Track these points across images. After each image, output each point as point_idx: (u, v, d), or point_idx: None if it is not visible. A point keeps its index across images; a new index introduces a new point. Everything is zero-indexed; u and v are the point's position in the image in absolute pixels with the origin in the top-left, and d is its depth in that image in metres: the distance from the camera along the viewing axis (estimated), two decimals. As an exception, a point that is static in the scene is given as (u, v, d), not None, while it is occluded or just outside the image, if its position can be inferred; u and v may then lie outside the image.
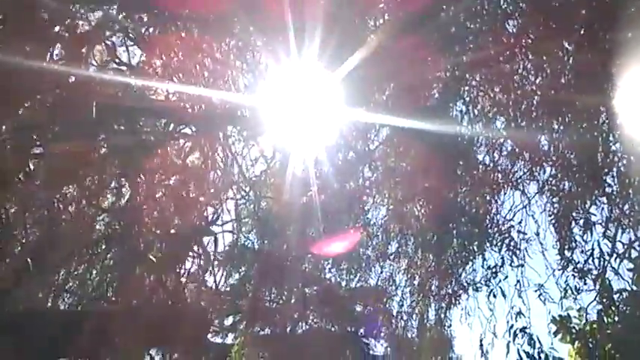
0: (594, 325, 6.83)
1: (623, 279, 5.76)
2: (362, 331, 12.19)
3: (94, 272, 7.81)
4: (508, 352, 6.60)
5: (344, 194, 9.13)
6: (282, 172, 9.28)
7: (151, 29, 7.31)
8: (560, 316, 6.96)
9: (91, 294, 7.74)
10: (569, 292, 6.11)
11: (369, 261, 10.44)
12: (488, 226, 6.57)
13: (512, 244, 6.36)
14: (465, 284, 6.87)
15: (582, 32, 6.13)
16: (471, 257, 6.76)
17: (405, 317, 9.76)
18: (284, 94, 7.62)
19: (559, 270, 6.16)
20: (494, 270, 6.43)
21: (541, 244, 6.68)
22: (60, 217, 7.44)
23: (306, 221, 9.67)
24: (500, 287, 6.41)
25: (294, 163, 8.68)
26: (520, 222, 6.44)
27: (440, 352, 11.62)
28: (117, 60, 7.54)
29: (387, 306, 10.42)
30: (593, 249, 6.02)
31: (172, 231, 7.84)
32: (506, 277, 6.38)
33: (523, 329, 6.58)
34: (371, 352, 12.28)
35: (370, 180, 8.83)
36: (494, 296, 6.39)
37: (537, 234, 6.51)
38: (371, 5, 7.19)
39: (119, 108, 7.20)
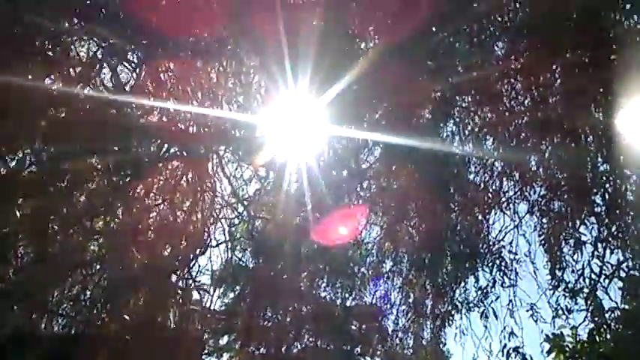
0: (586, 344, 6.86)
1: (612, 300, 5.77)
2: (358, 349, 12.18)
3: (87, 294, 7.78)
4: (502, 371, 6.60)
5: (338, 213, 9.16)
6: (275, 192, 9.32)
7: (144, 52, 7.36)
8: (553, 334, 6.98)
9: (84, 316, 7.70)
10: (561, 311, 6.12)
11: (364, 279, 10.47)
12: (480, 246, 6.60)
13: (503, 264, 6.39)
14: (458, 304, 6.88)
15: (571, 54, 6.21)
16: (464, 277, 6.79)
17: (400, 335, 9.75)
18: (277, 114, 7.68)
19: (550, 290, 6.18)
20: (485, 290, 6.45)
21: (532, 263, 6.72)
22: (53, 238, 7.43)
23: (300, 240, 9.70)
24: (493, 307, 6.44)
25: (288, 183, 8.72)
26: (511, 242, 6.48)
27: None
28: (111, 81, 7.58)
29: (383, 324, 10.41)
30: (583, 268, 6.06)
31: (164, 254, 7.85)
32: (498, 297, 6.41)
33: (516, 349, 6.59)
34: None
35: (363, 198, 8.87)
36: (487, 316, 6.41)
37: (528, 254, 6.55)
38: (363, 28, 7.27)
39: (112, 128, 7.22)
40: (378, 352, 12.24)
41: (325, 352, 11.92)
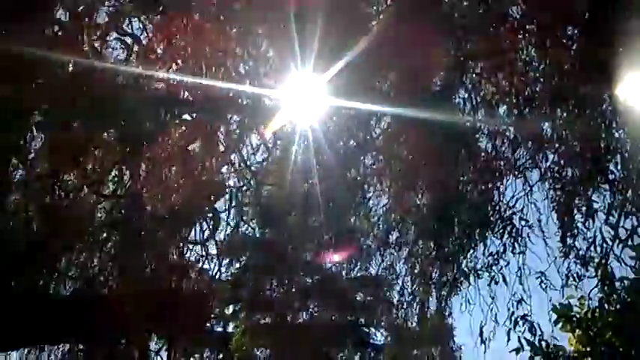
0: (595, 314, 6.84)
1: (626, 265, 5.73)
2: (362, 320, 12.22)
3: (96, 259, 7.80)
4: (509, 339, 6.60)
5: (345, 183, 9.13)
6: (283, 161, 9.28)
7: (154, 15, 7.26)
8: (560, 304, 6.96)
9: (92, 280, 7.74)
10: (571, 279, 6.10)
11: (369, 250, 10.46)
12: (490, 213, 6.56)
13: (514, 230, 6.35)
14: (467, 271, 6.86)
15: (586, 20, 6.11)
16: (473, 244, 6.75)
17: (405, 306, 9.76)
18: (286, 83, 7.60)
19: (561, 257, 6.15)
20: (495, 256, 6.42)
21: (542, 231, 6.68)
22: (62, 203, 7.42)
23: (308, 210, 9.68)
24: (502, 274, 6.39)
25: (295, 152, 8.67)
26: (522, 209, 6.42)
27: (440, 341, 11.65)
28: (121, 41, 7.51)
29: (388, 295, 10.43)
30: (595, 236, 6.02)
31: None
32: (508, 263, 6.37)
33: (524, 317, 6.58)
34: (371, 340, 12.32)
35: (372, 168, 8.82)
36: (496, 283, 6.39)
37: (539, 221, 6.49)
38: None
39: (120, 94, 7.17)
40: (382, 323, 12.31)
41: (330, 322, 11.97)
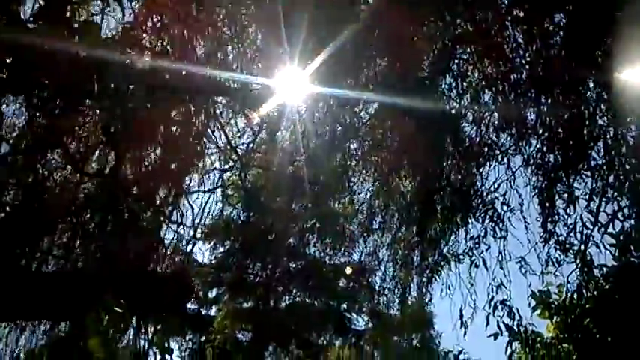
0: (573, 300, 6.93)
1: (607, 250, 5.81)
2: (344, 305, 12.34)
3: (78, 239, 7.74)
4: (488, 324, 6.67)
5: (330, 168, 9.13)
6: (269, 145, 9.25)
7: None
8: (540, 291, 7.04)
9: (74, 260, 7.69)
10: (551, 264, 6.16)
11: (353, 236, 10.50)
12: (472, 197, 6.59)
13: (495, 215, 6.40)
14: (448, 255, 6.89)
15: (572, 6, 6.13)
16: (455, 229, 6.80)
17: (387, 292, 9.80)
18: (273, 67, 7.55)
19: (541, 242, 6.21)
20: (477, 240, 6.46)
21: (523, 217, 6.72)
22: (44, 182, 7.35)
23: (292, 194, 9.67)
24: (483, 257, 6.44)
25: (281, 137, 8.65)
26: (504, 194, 6.46)
27: (420, 327, 11.77)
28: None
29: (370, 281, 10.52)
30: (575, 222, 6.08)
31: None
32: (489, 247, 6.42)
33: (503, 301, 6.64)
34: (352, 326, 12.44)
35: (357, 153, 8.81)
36: (477, 266, 6.44)
37: (521, 206, 6.54)
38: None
39: (105, 73, 7.08)
40: (364, 309, 12.43)
41: (312, 307, 12.05)
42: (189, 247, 9.58)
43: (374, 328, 12.04)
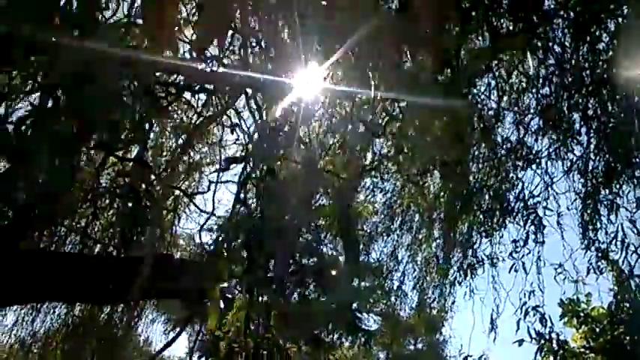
0: (602, 310, 6.82)
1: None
2: (355, 305, 12.16)
3: (97, 224, 7.62)
4: (518, 329, 6.55)
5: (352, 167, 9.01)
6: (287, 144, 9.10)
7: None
8: (568, 299, 6.93)
9: (93, 245, 7.57)
10: (592, 272, 6.04)
11: (371, 236, 10.39)
12: (513, 200, 6.45)
13: (537, 219, 6.26)
14: (484, 257, 6.78)
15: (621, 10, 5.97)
16: (490, 232, 6.66)
17: (403, 294, 9.71)
18: (290, 67, 7.38)
19: (582, 250, 6.09)
20: (517, 244, 6.33)
21: (559, 224, 6.61)
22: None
23: (310, 193, 9.54)
24: (523, 262, 6.31)
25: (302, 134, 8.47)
26: (547, 198, 6.32)
27: (432, 331, 11.65)
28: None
29: (386, 282, 10.36)
30: (617, 232, 5.96)
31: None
32: (530, 252, 6.29)
33: (535, 307, 6.53)
34: (362, 326, 12.27)
35: (382, 153, 8.68)
36: (516, 271, 6.30)
37: (558, 214, 6.42)
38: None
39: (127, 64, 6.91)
40: (376, 309, 12.28)
41: (321, 304, 11.88)
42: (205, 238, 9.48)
43: (385, 328, 11.94)
